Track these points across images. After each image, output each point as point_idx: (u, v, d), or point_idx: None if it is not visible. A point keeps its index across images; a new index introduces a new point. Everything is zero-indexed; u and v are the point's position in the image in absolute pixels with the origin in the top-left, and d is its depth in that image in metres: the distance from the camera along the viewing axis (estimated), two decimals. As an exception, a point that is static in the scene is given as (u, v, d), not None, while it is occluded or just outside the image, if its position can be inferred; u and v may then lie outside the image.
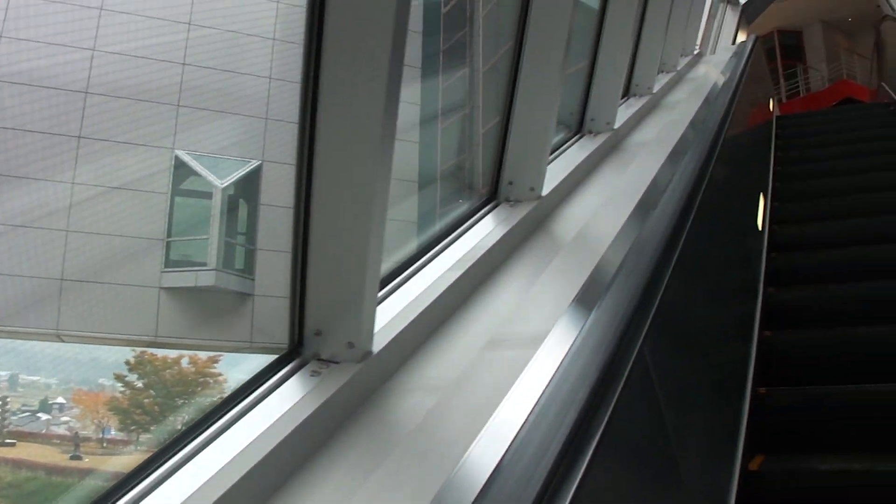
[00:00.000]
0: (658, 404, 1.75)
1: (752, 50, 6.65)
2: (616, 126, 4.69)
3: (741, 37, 12.07)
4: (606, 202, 3.33)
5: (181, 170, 4.88)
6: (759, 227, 4.68)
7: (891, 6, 10.80)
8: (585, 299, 1.76)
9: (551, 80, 3.30)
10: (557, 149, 4.19)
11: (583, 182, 3.84)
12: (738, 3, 11.93)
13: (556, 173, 3.58)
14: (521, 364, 1.46)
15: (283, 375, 1.84)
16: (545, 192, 3.29)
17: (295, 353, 1.94)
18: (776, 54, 25.25)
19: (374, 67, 1.70)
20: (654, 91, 5.90)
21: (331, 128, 1.77)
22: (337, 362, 1.90)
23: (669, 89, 5.98)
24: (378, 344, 1.96)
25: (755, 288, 3.97)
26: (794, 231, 5.19)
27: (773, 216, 5.24)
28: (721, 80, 5.01)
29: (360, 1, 1.68)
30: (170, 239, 4.72)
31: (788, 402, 3.17)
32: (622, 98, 5.60)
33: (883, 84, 9.17)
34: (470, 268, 2.45)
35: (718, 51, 10.03)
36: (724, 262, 3.48)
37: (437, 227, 3.13)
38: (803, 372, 3.45)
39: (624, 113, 5.15)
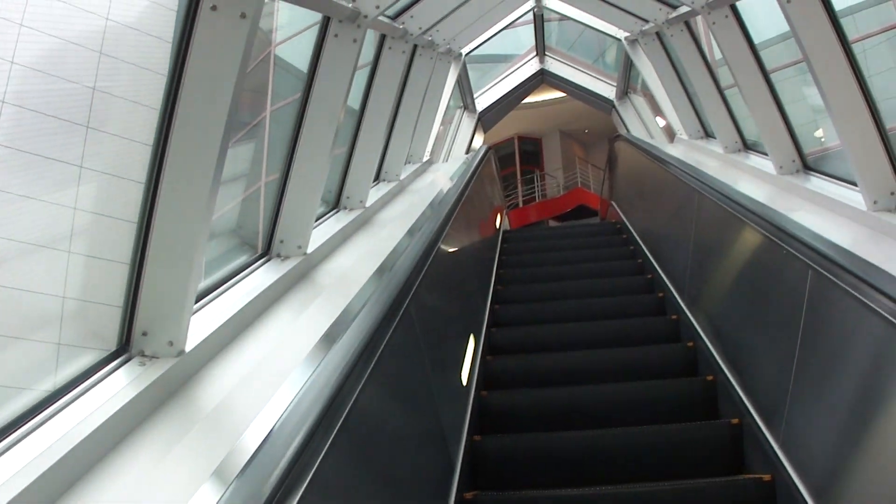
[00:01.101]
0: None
1: (482, 160, 8.29)
2: (367, 204, 6.15)
3: (479, 139, 14.06)
4: (357, 261, 4.72)
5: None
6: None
7: (625, 126, 13.31)
8: (331, 333, 2.61)
9: (321, 161, 4.50)
10: (319, 218, 5.59)
11: (339, 246, 5.22)
12: (475, 110, 13.51)
13: (317, 237, 4.90)
14: (287, 371, 2.35)
15: (114, 366, 2.58)
16: (309, 250, 4.44)
17: (124, 349, 2.70)
18: (515, 159, 28.06)
19: (212, 133, 2.66)
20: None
21: (173, 176, 2.66)
22: (158, 357, 2.71)
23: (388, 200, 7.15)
24: (190, 344, 2.80)
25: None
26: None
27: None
28: (448, 187, 6.46)
29: (208, 82, 2.61)
30: None
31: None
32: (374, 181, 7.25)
33: (612, 203, 11.07)
34: (246, 306, 3.38)
35: (451, 158, 11.63)
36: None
37: (225, 270, 3.91)
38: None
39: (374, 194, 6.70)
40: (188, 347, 2.79)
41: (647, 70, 10.67)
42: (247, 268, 3.97)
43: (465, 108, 13.39)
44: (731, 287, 4.89)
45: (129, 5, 2.94)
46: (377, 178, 7.65)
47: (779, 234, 3.86)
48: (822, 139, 6.48)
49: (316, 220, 5.22)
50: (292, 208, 4.41)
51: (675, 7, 7.66)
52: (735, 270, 4.84)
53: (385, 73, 6.27)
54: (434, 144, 10.54)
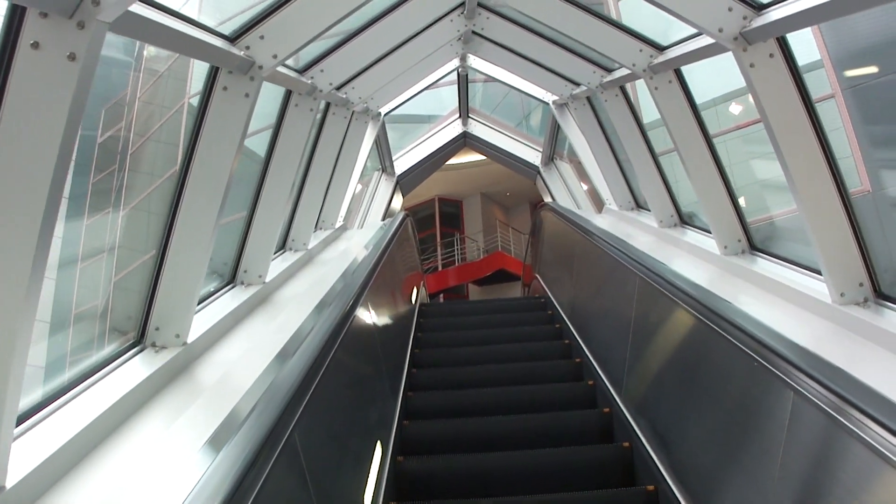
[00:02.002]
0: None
1: (397, 230, 7.71)
2: (268, 279, 5.48)
3: (398, 201, 13.47)
4: (246, 352, 4.07)
5: None
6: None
7: (550, 194, 12.84)
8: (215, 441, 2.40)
9: (205, 232, 3.99)
10: (210, 297, 4.92)
11: (229, 330, 4.52)
12: (394, 173, 12.93)
13: (203, 321, 4.31)
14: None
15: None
16: (191, 339, 3.92)
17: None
18: (436, 221, 27.85)
19: (33, 200, 2.24)
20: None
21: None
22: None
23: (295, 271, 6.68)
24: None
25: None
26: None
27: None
28: (359, 262, 5.90)
29: (27, 136, 2.23)
30: None
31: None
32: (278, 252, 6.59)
33: (537, 276, 10.46)
34: (106, 412, 2.96)
35: (367, 224, 11.11)
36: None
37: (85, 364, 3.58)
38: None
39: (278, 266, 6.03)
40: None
41: (575, 135, 10.28)
42: (115, 359, 3.56)
43: (384, 170, 12.80)
44: (679, 386, 4.27)
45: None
46: (282, 248, 6.99)
47: (743, 338, 3.28)
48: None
49: (206, 299, 4.85)
50: (169, 290, 3.91)
51: (610, 71, 7.24)
52: (683, 367, 4.23)
53: (290, 131, 5.66)
54: (349, 208, 9.92)
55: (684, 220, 7.27)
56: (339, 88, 7.13)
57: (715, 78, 6.25)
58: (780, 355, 2.86)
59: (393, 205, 12.84)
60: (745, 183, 6.14)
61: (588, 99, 8.76)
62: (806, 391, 2.64)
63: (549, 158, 12.99)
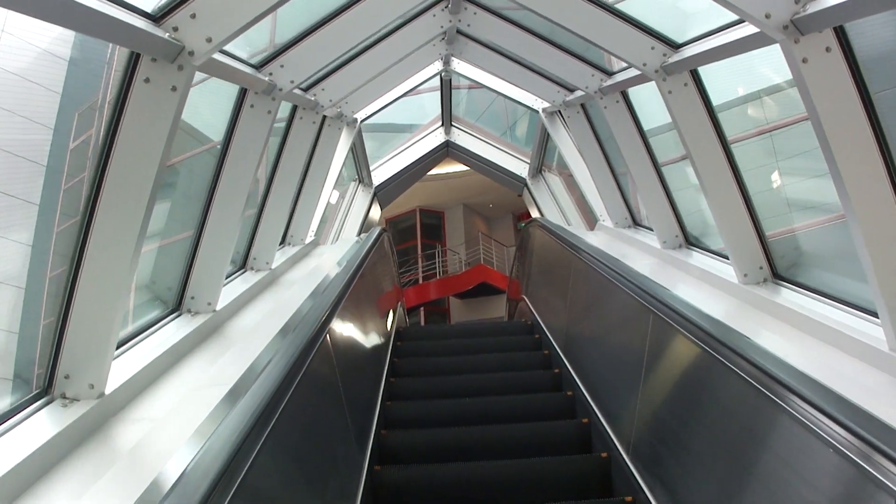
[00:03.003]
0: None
1: (372, 246, 6.89)
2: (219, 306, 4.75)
3: (376, 213, 12.67)
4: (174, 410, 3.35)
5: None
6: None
7: (538, 207, 12.07)
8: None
9: (124, 254, 3.34)
10: (146, 330, 4.24)
11: (162, 375, 3.79)
12: (371, 184, 12.13)
13: (131, 363, 3.67)
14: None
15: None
16: (110, 388, 3.32)
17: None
18: (417, 232, 27.18)
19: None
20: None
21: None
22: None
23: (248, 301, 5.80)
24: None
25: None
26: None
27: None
28: (327, 280, 5.06)
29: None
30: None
31: None
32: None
33: (525, 298, 9.56)
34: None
35: (341, 239, 10.30)
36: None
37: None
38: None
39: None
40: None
41: (567, 146, 9.58)
42: (15, 413, 3.00)
43: (360, 181, 11.98)
44: (713, 454, 3.46)
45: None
46: (242, 267, 6.22)
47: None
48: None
49: (141, 332, 4.23)
50: (82, 327, 3.28)
51: (610, 74, 6.51)
52: (718, 434, 3.42)
53: (246, 138, 4.87)
54: (322, 222, 9.14)
55: (690, 241, 6.56)
56: (306, 90, 6.39)
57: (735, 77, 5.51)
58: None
59: (371, 217, 12.02)
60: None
61: (582, 106, 8.05)
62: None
63: (537, 170, 12.23)
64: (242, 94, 4.90)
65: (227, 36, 3.53)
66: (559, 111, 8.92)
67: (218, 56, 4.06)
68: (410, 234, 27.25)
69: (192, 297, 4.77)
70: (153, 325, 4.43)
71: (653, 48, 5.17)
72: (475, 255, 26.24)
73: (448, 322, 25.79)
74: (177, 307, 4.78)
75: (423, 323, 24.88)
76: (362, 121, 10.08)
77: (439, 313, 26.32)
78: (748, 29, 3.89)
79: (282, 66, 5.04)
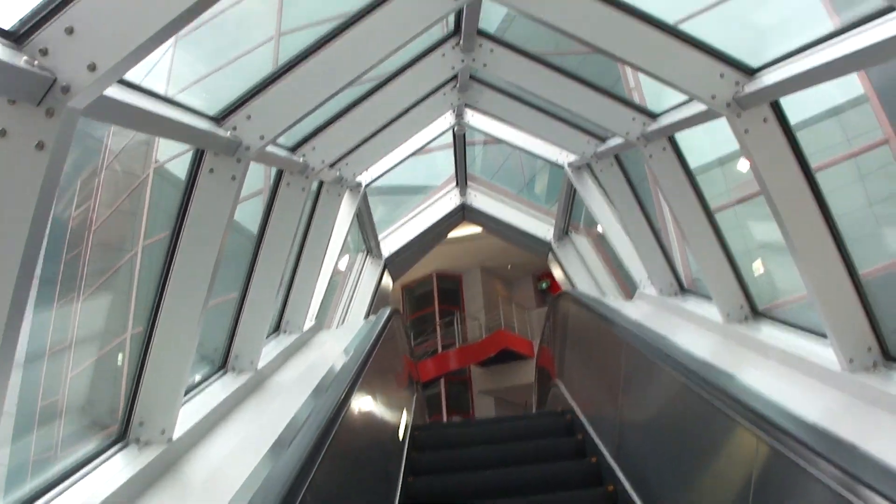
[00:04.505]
0: None
1: (381, 332, 5.89)
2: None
3: (387, 286, 11.46)
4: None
5: None
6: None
7: (565, 273, 10.92)
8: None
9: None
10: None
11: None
12: (381, 255, 11.02)
13: None
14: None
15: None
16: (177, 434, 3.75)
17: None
18: (434, 299, 26.20)
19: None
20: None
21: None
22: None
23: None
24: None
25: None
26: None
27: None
28: (322, 390, 4.45)
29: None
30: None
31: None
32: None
33: (559, 383, 8.48)
34: None
35: (347, 323, 9.30)
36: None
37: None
38: None
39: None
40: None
41: (597, 203, 8.44)
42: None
43: (369, 252, 10.81)
44: None
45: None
46: (223, 367, 5.12)
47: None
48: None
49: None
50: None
51: (655, 116, 5.45)
52: None
53: (208, 204, 3.84)
54: (324, 300, 8.02)
55: (757, 310, 5.42)
56: (293, 149, 5.37)
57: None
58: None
59: (383, 287, 10.85)
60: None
61: (616, 157, 6.96)
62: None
63: (564, 231, 11.05)
64: (199, 155, 3.83)
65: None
66: (588, 164, 7.82)
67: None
68: (427, 301, 26.42)
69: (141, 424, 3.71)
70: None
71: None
72: (495, 321, 25.27)
73: (470, 394, 24.85)
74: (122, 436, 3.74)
75: (443, 397, 23.92)
76: (367, 184, 8.95)
77: (461, 382, 25.36)
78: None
79: (248, 118, 3.98)
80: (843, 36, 3.20)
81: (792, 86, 3.63)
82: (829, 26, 3.55)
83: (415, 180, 12.73)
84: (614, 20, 4.18)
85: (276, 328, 6.70)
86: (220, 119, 4.01)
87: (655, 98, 5.80)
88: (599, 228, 9.26)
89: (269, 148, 4.58)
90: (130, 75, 2.78)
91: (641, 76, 6.31)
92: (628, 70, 6.66)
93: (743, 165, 5.84)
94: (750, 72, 4.04)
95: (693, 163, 5.67)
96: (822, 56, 3.31)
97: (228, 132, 3.97)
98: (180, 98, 3.63)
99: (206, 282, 3.84)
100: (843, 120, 5.61)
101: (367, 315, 9.58)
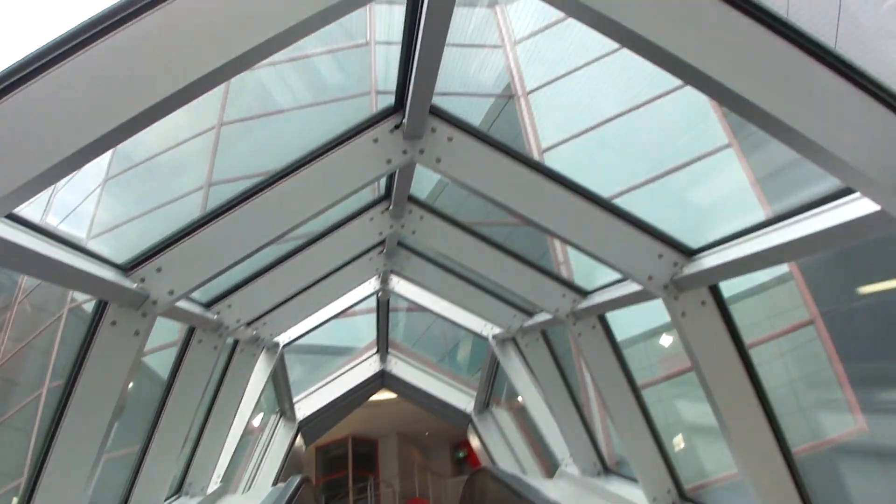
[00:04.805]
0: None
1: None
2: None
3: (299, 451, 10.89)
4: None
5: None
6: None
7: (484, 447, 10.56)
8: None
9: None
10: None
11: None
12: (295, 418, 10.52)
13: None
14: None
15: None
16: None
17: None
18: (348, 462, 25.26)
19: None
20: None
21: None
22: None
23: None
24: None
25: None
26: None
27: None
28: None
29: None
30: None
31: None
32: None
33: None
34: None
35: (255, 486, 8.78)
36: None
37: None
38: None
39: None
40: None
41: (521, 378, 8.24)
42: None
43: (282, 414, 10.33)
44: None
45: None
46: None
47: None
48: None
49: None
50: None
51: (585, 294, 5.34)
52: None
53: (106, 358, 3.59)
54: (233, 460, 7.53)
55: (686, 495, 5.21)
56: (208, 306, 5.07)
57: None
58: None
59: (293, 453, 10.30)
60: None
61: (543, 332, 6.82)
62: None
63: (485, 405, 10.77)
64: (101, 305, 3.56)
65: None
66: (514, 338, 7.65)
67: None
68: (341, 464, 25.51)
69: None
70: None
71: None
72: (410, 488, 24.67)
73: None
74: None
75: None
76: (285, 345, 8.62)
77: None
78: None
79: (158, 271, 3.73)
80: (780, 224, 3.15)
81: (732, 270, 3.54)
82: (762, 214, 3.56)
83: (336, 341, 12.49)
84: (550, 193, 4.08)
85: (178, 489, 6.22)
86: (128, 269, 3.79)
87: (586, 273, 5.74)
88: (521, 401, 9.02)
89: (182, 302, 4.34)
90: (31, 213, 2.54)
91: (570, 249, 6.25)
92: (557, 243, 6.61)
93: (670, 341, 5.80)
94: (689, 253, 3.94)
95: (619, 335, 5.56)
96: (761, 242, 3.24)
97: (136, 284, 3.74)
98: (93, 243, 3.43)
99: (98, 439, 3.57)
100: (769, 297, 5.67)
101: (276, 481, 9.03)
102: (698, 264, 3.82)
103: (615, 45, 2.36)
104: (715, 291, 3.90)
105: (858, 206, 2.63)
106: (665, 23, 2.24)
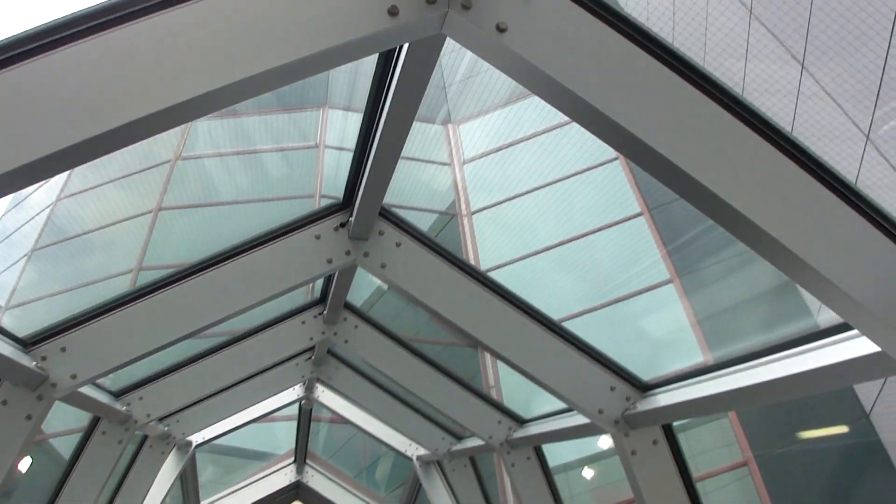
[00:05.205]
0: None
1: None
2: None
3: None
4: None
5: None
6: None
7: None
8: None
9: None
10: None
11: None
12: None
13: None
14: None
15: None
16: None
17: None
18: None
19: None
20: None
21: None
22: None
23: None
24: None
25: None
26: None
27: None
28: None
29: None
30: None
31: None
32: None
33: None
34: None
35: None
36: None
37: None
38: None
39: None
40: None
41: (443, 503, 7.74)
42: None
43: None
44: None
45: None
46: None
47: None
48: None
49: None
50: None
51: (522, 423, 5.04)
52: None
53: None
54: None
55: None
56: (118, 397, 4.64)
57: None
58: None
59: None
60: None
61: (471, 458, 6.45)
62: None
63: (402, 528, 10.20)
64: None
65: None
66: (439, 461, 7.24)
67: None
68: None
69: None
70: None
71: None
72: None
73: None
74: None
75: None
76: (198, 445, 8.05)
77: None
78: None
79: (62, 350, 3.36)
80: (749, 364, 2.93)
81: (693, 409, 3.28)
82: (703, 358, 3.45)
83: (253, 444, 11.89)
84: (500, 313, 3.76)
85: None
86: (29, 344, 3.44)
87: (517, 399, 5.45)
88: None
89: (86, 388, 4.00)
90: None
91: (501, 373, 6.02)
92: (488, 365, 6.36)
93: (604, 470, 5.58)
94: (643, 388, 3.65)
95: (551, 461, 5.27)
96: (721, 384, 3.00)
97: (35, 362, 3.39)
98: (7, 316, 3.13)
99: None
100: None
101: None
102: (653, 401, 3.55)
103: (562, 172, 2.15)
104: (668, 430, 3.63)
105: (822, 355, 2.49)
106: (686, 146, 2.05)
